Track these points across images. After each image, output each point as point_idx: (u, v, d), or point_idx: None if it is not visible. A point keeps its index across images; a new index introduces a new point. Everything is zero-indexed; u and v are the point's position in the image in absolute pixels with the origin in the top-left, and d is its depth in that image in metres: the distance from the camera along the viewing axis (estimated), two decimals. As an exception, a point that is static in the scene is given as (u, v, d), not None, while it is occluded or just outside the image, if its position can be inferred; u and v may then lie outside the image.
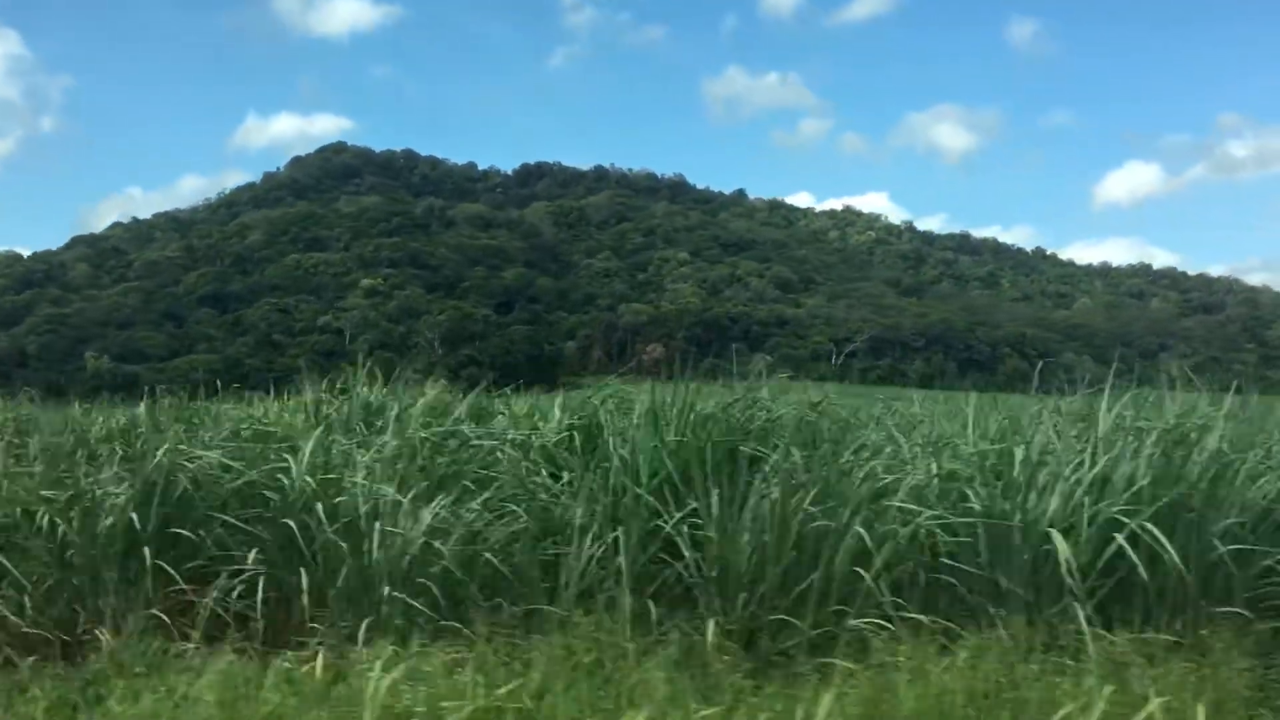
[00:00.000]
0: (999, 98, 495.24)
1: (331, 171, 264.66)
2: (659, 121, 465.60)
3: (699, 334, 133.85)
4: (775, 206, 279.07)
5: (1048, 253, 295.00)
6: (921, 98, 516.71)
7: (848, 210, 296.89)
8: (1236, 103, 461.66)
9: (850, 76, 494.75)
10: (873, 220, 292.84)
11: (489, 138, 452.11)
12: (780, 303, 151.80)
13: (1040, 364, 11.14)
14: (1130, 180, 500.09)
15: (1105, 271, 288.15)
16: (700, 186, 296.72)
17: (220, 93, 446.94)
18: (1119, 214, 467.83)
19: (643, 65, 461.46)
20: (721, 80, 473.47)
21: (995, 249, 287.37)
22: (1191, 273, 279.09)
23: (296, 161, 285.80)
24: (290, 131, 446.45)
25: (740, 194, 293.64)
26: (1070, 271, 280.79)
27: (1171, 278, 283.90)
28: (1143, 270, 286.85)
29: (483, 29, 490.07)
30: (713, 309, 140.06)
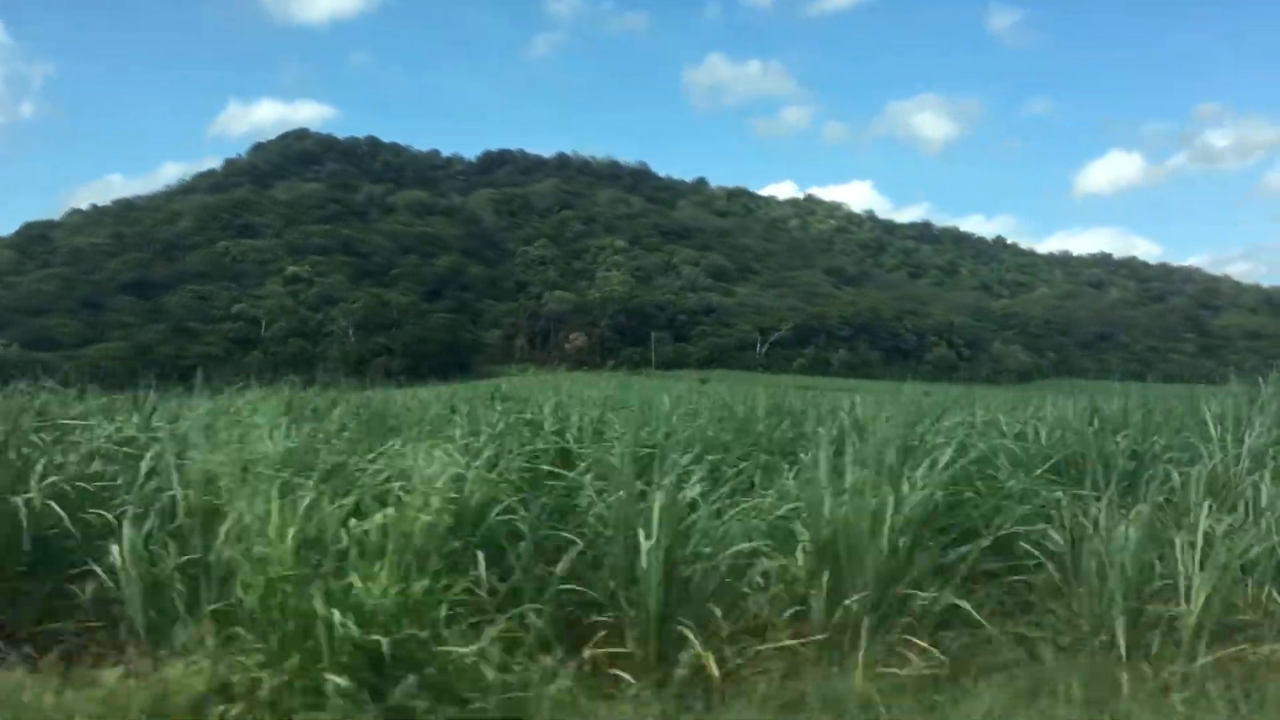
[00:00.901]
0: (981, 87, 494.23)
1: (291, 158, 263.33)
2: (640, 110, 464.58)
3: (623, 322, 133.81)
4: (735, 195, 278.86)
5: (1009, 242, 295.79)
6: (904, 87, 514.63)
7: (810, 199, 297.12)
8: (1215, 93, 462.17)
9: (832, 65, 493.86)
10: (834, 209, 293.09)
11: (470, 125, 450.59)
12: (712, 291, 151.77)
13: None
14: (1112, 170, 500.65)
15: (1066, 260, 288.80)
16: (663, 175, 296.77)
17: (202, 79, 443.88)
18: (1101, 204, 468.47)
19: (624, 53, 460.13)
20: (703, 68, 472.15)
21: (957, 238, 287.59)
22: (1172, 263, 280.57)
23: (259, 148, 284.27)
24: (272, 118, 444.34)
25: (701, 182, 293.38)
26: (1030, 261, 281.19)
27: (1131, 267, 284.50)
28: (1103, 260, 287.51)
29: (465, 16, 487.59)
30: (639, 297, 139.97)
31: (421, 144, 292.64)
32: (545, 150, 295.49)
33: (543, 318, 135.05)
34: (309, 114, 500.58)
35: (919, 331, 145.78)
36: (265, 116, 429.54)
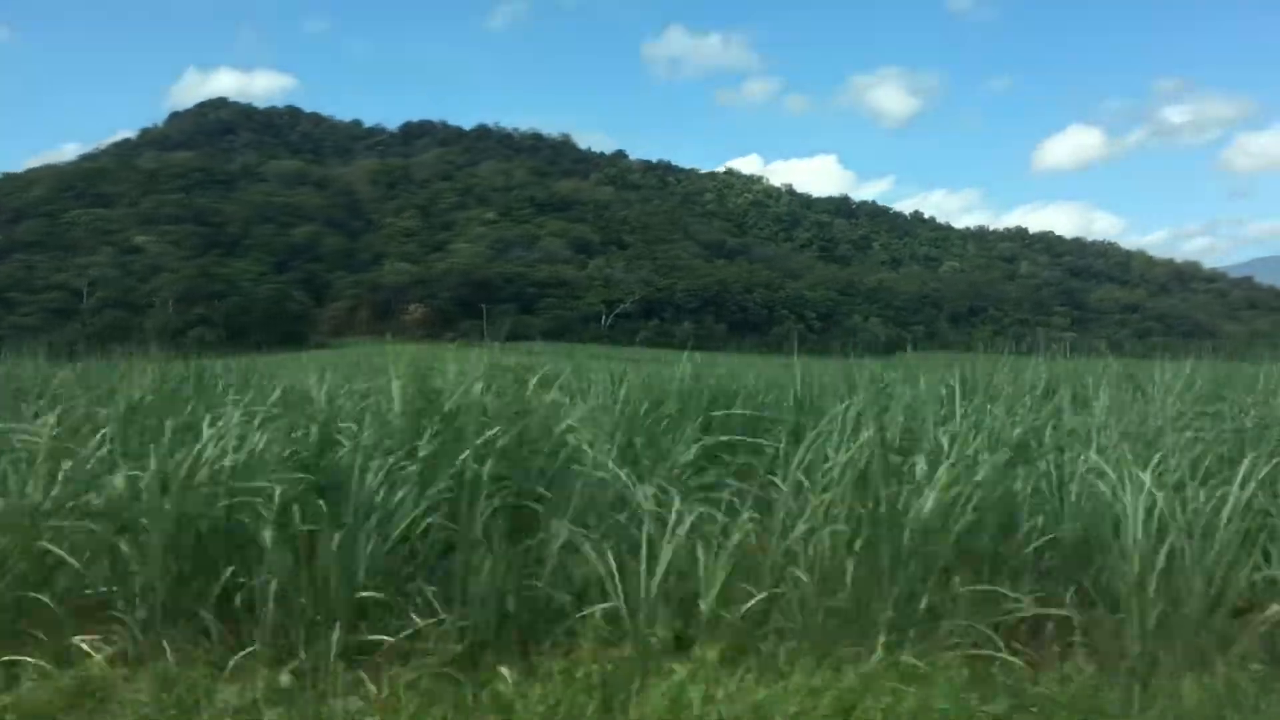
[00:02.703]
0: (943, 62, 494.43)
1: (206, 128, 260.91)
2: (602, 81, 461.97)
3: (465, 294, 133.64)
4: (651, 168, 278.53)
5: (927, 217, 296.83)
6: (866, 60, 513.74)
7: (729, 173, 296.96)
8: (1173, 67, 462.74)
9: (793, 38, 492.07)
10: (753, 182, 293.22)
11: (430, 94, 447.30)
12: (570, 264, 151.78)
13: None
14: (1072, 145, 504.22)
15: (982, 235, 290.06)
16: (584, 147, 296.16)
17: (162, 47, 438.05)
18: (1064, 179, 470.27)
19: (585, 23, 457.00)
20: (663, 41, 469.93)
21: (873, 213, 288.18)
22: (1087, 239, 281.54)
23: (174, 117, 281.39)
24: (230, 87, 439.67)
25: (620, 154, 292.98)
26: (944, 235, 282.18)
27: (1046, 241, 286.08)
28: (1018, 234, 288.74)
29: None
30: (484, 269, 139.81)
31: (381, 115, 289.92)
32: (467, 122, 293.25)
33: (384, 289, 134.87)
34: (268, 83, 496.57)
35: (769, 305, 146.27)
36: (223, 85, 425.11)
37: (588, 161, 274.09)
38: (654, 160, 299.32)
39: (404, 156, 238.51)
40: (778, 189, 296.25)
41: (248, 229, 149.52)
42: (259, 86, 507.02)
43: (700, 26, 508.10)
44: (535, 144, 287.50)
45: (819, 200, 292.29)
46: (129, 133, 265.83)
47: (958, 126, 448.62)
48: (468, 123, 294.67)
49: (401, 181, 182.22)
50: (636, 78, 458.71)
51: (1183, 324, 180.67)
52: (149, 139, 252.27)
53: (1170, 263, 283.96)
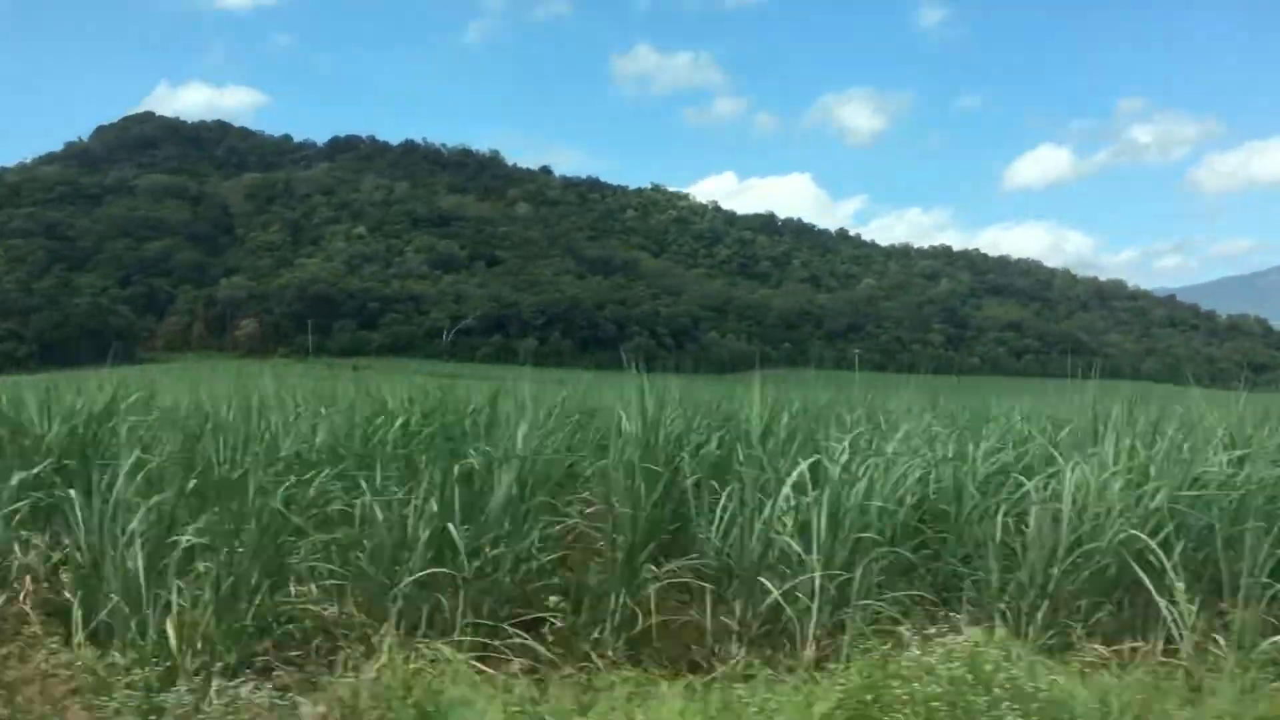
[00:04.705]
0: (911, 81, 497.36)
1: (128, 142, 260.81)
2: (571, 100, 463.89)
3: (300, 310, 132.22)
4: (571, 185, 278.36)
5: (851, 234, 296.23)
6: (836, 81, 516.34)
7: (655, 189, 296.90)
8: (1136, 87, 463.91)
9: (762, 57, 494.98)
10: (677, 199, 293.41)
11: (399, 112, 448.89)
12: (427, 279, 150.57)
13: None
14: (1042, 165, 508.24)
15: (906, 252, 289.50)
16: (510, 164, 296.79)
17: (130, 62, 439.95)
18: (1035, 198, 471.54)
19: (553, 42, 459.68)
20: (631, 58, 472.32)
21: (798, 229, 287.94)
22: (1012, 256, 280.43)
23: (100, 131, 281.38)
24: (199, 103, 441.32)
25: (545, 170, 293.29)
26: (867, 253, 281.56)
27: (969, 259, 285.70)
28: (942, 252, 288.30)
29: (398, 2, 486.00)
30: (325, 284, 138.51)
31: (350, 131, 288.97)
32: (391, 136, 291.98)
33: (219, 304, 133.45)
34: (238, 99, 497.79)
35: (620, 321, 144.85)
36: (194, 100, 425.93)
37: (508, 178, 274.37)
38: (584, 176, 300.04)
39: (353, 172, 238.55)
40: (703, 206, 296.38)
41: (100, 244, 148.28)
42: (230, 101, 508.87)
43: (668, 46, 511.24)
44: (463, 159, 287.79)
45: (744, 217, 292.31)
46: (54, 146, 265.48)
47: (928, 145, 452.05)
48: (401, 137, 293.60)
49: (282, 195, 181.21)
50: (606, 95, 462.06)
51: (1061, 342, 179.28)
52: (72, 152, 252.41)
53: (1094, 280, 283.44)
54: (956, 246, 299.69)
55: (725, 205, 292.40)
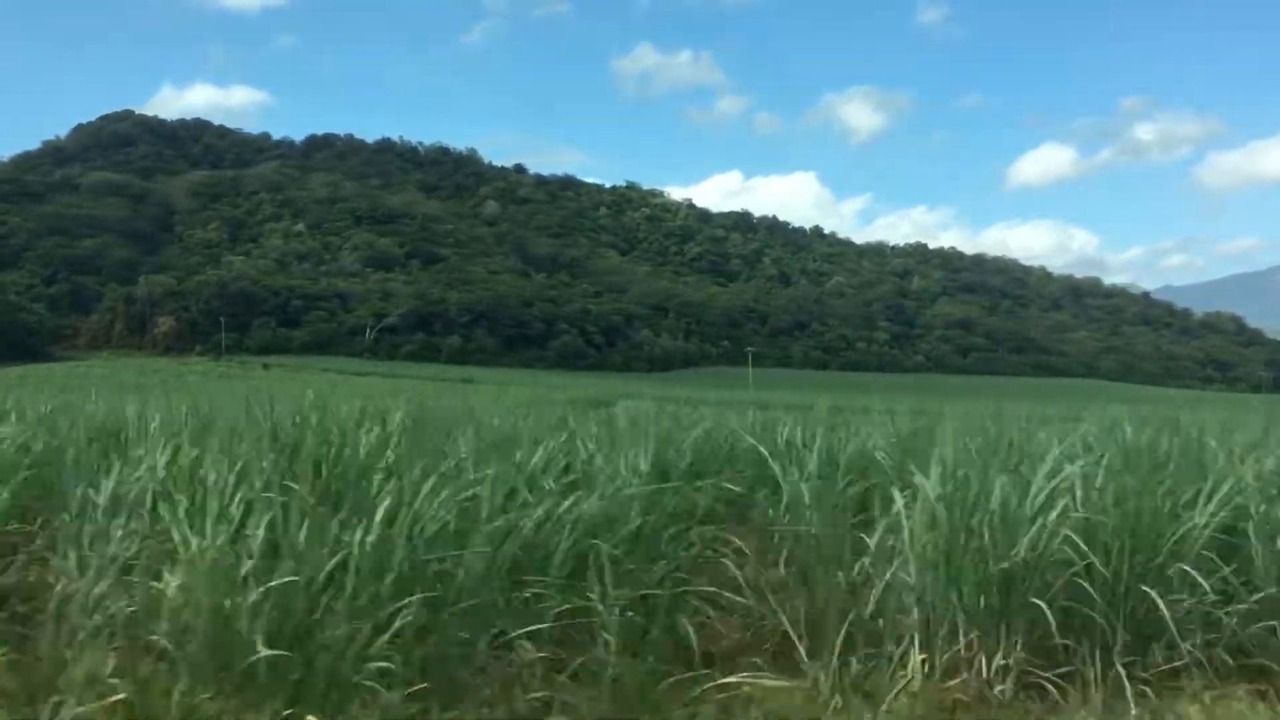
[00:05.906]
0: (915, 80, 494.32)
1: (104, 140, 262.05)
2: (571, 97, 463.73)
3: (219, 308, 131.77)
4: (543, 183, 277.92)
5: (826, 232, 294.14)
6: (837, 79, 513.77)
7: (629, 187, 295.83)
8: (1139, 86, 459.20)
9: (765, 56, 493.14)
10: (651, 196, 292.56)
11: (405, 110, 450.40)
12: (356, 277, 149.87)
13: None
14: (1045, 163, 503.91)
15: (880, 250, 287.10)
16: (487, 162, 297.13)
17: (135, 62, 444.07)
18: (1038, 195, 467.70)
19: (553, 42, 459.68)
20: (632, 58, 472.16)
21: (771, 227, 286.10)
22: (989, 254, 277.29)
23: (77, 129, 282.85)
24: (203, 102, 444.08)
25: (519, 168, 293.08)
26: (840, 250, 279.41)
27: (943, 257, 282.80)
28: (917, 250, 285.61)
29: (401, 2, 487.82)
30: (246, 281, 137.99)
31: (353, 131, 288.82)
32: (365, 136, 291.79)
33: (138, 301, 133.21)
34: (243, 98, 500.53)
35: (548, 319, 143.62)
36: (198, 100, 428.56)
37: (480, 176, 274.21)
38: (560, 175, 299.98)
39: (301, 169, 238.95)
40: (677, 203, 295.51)
41: (30, 242, 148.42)
42: (235, 101, 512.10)
43: (669, 45, 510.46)
44: (439, 158, 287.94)
45: (719, 215, 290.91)
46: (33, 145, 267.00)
47: (932, 144, 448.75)
48: (392, 134, 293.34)
49: (228, 194, 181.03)
50: (607, 95, 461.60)
51: (1010, 340, 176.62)
52: (48, 149, 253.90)
53: (1069, 279, 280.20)
54: (962, 245, 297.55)
55: (732, 205, 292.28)
